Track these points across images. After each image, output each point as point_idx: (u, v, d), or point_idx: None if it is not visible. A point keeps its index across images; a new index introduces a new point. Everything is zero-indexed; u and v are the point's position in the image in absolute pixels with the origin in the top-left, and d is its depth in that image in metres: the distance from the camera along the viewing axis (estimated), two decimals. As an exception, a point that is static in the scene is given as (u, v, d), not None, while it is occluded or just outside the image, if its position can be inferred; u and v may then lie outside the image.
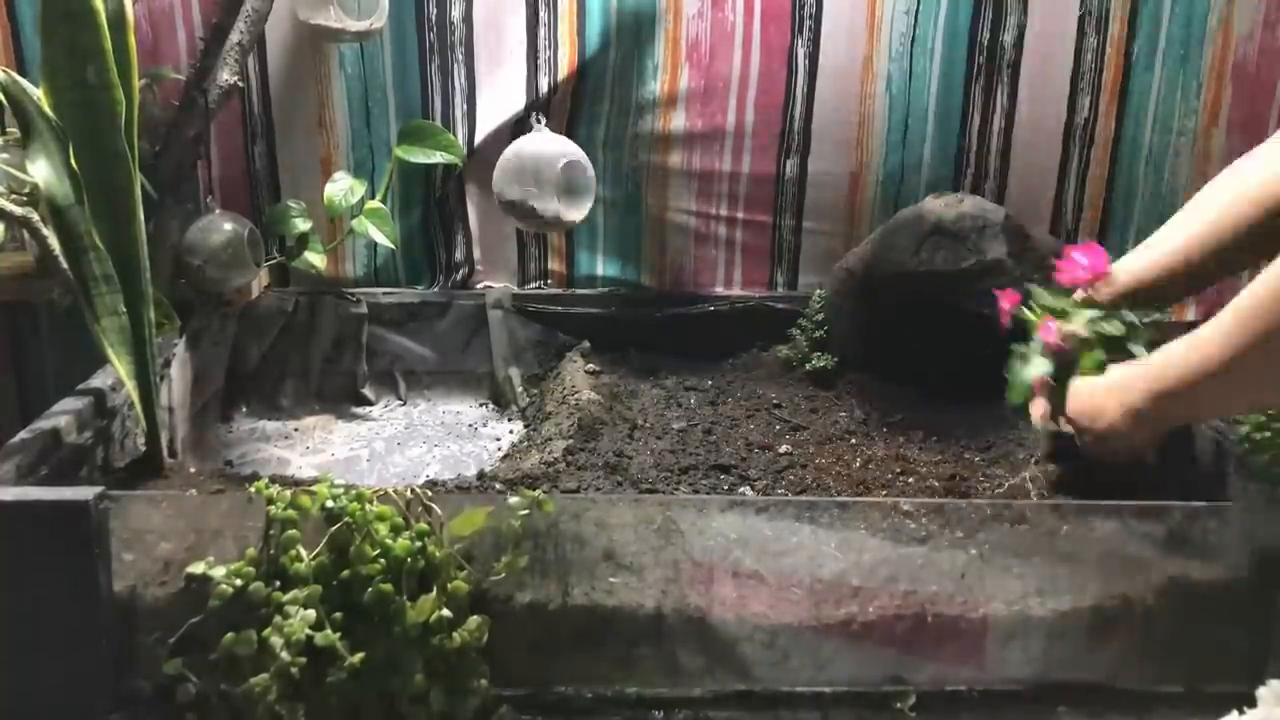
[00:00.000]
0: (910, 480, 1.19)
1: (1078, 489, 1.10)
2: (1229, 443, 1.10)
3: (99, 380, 1.19)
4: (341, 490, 0.90)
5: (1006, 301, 1.19)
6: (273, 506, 0.89)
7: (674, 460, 1.24)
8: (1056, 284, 1.16)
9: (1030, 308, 1.16)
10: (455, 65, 1.59)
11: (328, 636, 0.85)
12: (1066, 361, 1.09)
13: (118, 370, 1.08)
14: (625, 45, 1.58)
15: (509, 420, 1.57)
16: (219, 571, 0.87)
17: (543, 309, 1.66)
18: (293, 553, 0.88)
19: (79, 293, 1.06)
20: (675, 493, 1.15)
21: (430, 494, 0.92)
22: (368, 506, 0.89)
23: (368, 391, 1.63)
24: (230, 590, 0.86)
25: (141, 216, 1.10)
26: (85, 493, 0.87)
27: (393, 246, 1.56)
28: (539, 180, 1.44)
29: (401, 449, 1.47)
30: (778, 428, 1.36)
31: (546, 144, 1.48)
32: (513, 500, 0.90)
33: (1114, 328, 1.06)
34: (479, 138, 1.61)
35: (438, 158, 1.56)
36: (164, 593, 0.89)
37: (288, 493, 0.89)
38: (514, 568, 0.90)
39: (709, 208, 1.66)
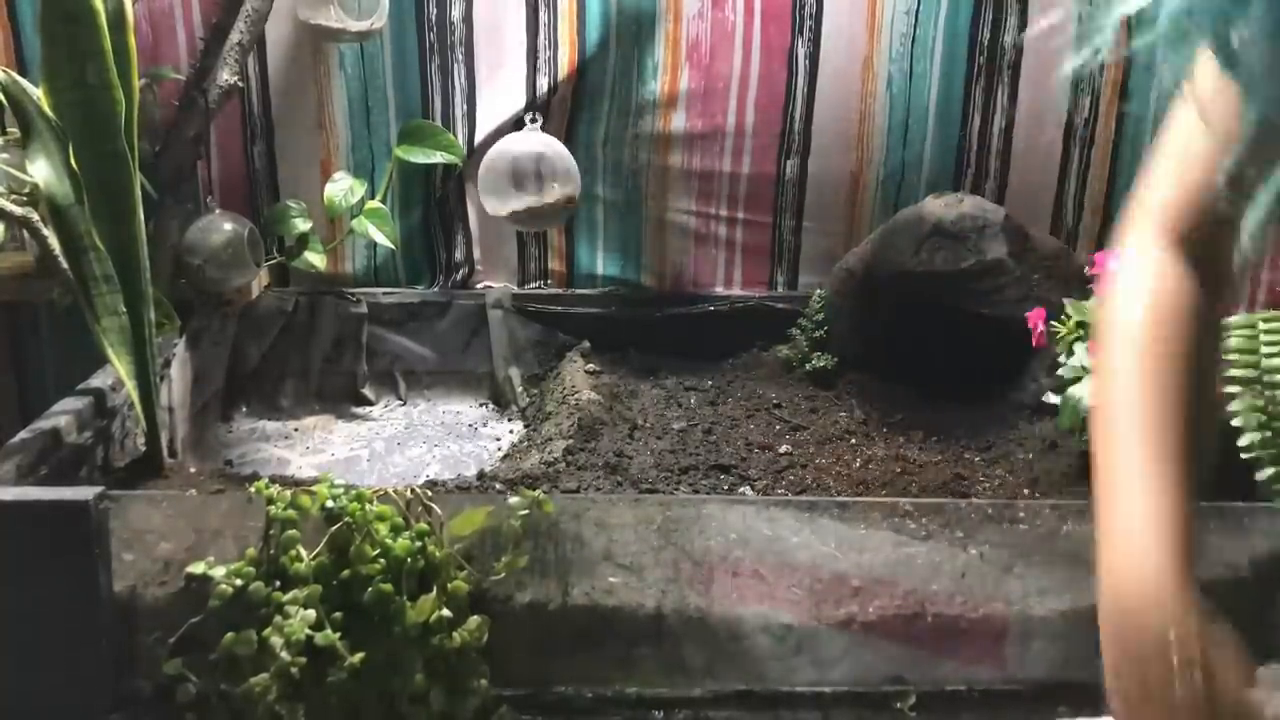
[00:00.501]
0: (910, 480, 1.19)
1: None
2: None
3: (99, 380, 1.19)
4: (341, 490, 0.90)
5: (1036, 319, 1.18)
6: (273, 506, 0.89)
7: (674, 460, 1.24)
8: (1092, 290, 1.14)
9: (1061, 321, 1.15)
10: (455, 65, 1.59)
11: (328, 636, 0.85)
12: None
13: (118, 370, 1.08)
14: (625, 45, 1.58)
15: (509, 420, 1.57)
16: (219, 571, 0.87)
17: (543, 309, 1.66)
18: (293, 553, 0.88)
19: (79, 293, 1.06)
20: (675, 493, 1.15)
21: (430, 494, 0.92)
22: (368, 506, 0.89)
23: (368, 391, 1.63)
24: (230, 590, 0.86)
25: (141, 216, 1.10)
26: (85, 493, 0.87)
27: (393, 246, 1.56)
28: (524, 181, 1.45)
29: (401, 449, 1.47)
30: (778, 428, 1.36)
31: (515, 145, 1.49)
32: (513, 500, 0.90)
33: None
34: (479, 138, 1.61)
35: (438, 158, 1.56)
36: (164, 593, 0.89)
37: (288, 493, 0.89)
38: (514, 568, 0.90)
39: (709, 208, 1.66)
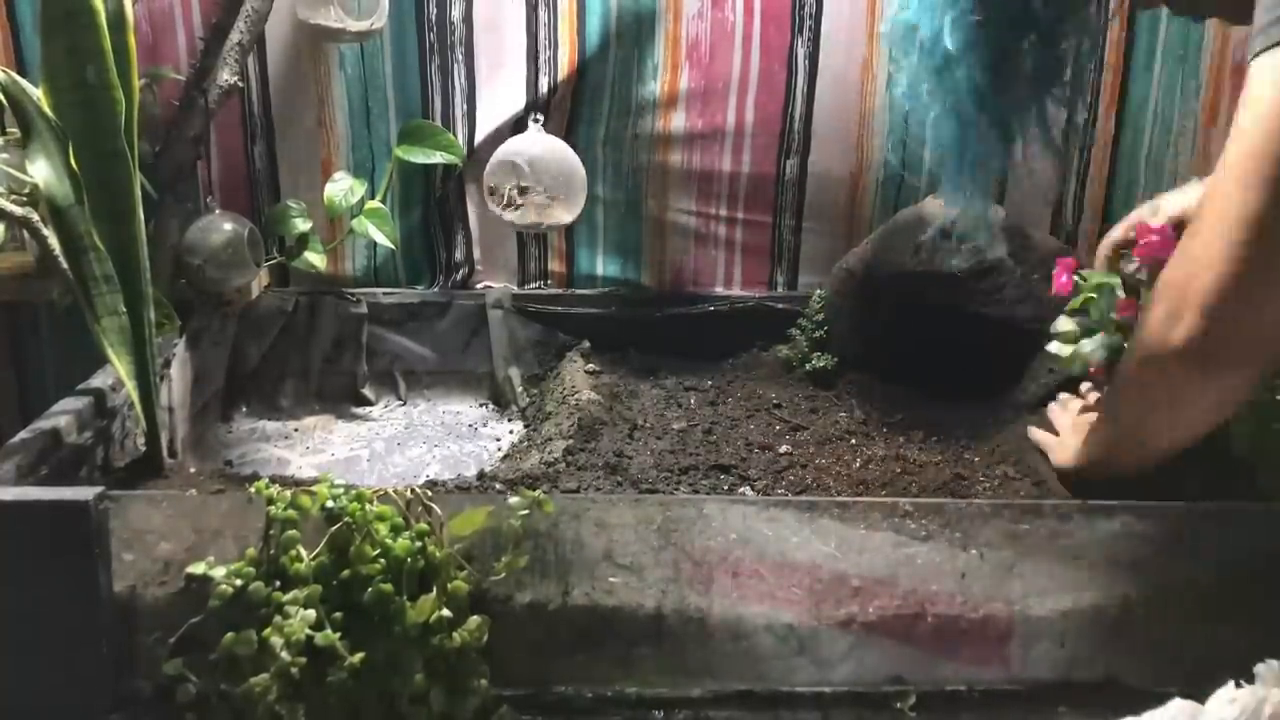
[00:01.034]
0: (910, 480, 1.19)
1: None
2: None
3: (99, 380, 1.19)
4: (341, 490, 0.90)
5: (1065, 269, 1.19)
6: (273, 506, 0.89)
7: (674, 460, 1.24)
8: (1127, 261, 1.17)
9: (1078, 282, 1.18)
10: (455, 65, 1.59)
11: (328, 636, 0.85)
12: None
13: (118, 370, 1.08)
14: (625, 45, 1.58)
15: (509, 420, 1.57)
16: (219, 571, 0.87)
17: (543, 309, 1.66)
18: (293, 553, 0.88)
19: (79, 293, 1.06)
20: (675, 493, 1.15)
21: (430, 494, 0.92)
22: (368, 506, 0.89)
23: (368, 391, 1.63)
24: (230, 590, 0.86)
25: (141, 216, 1.10)
26: (85, 493, 0.87)
27: (393, 246, 1.56)
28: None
29: (401, 449, 1.47)
30: (778, 428, 1.36)
31: (522, 147, 1.49)
32: (513, 500, 0.90)
33: None
34: (479, 138, 1.61)
35: (438, 158, 1.56)
36: (164, 593, 0.89)
37: (288, 493, 0.89)
38: (514, 568, 0.90)
39: (709, 208, 1.66)
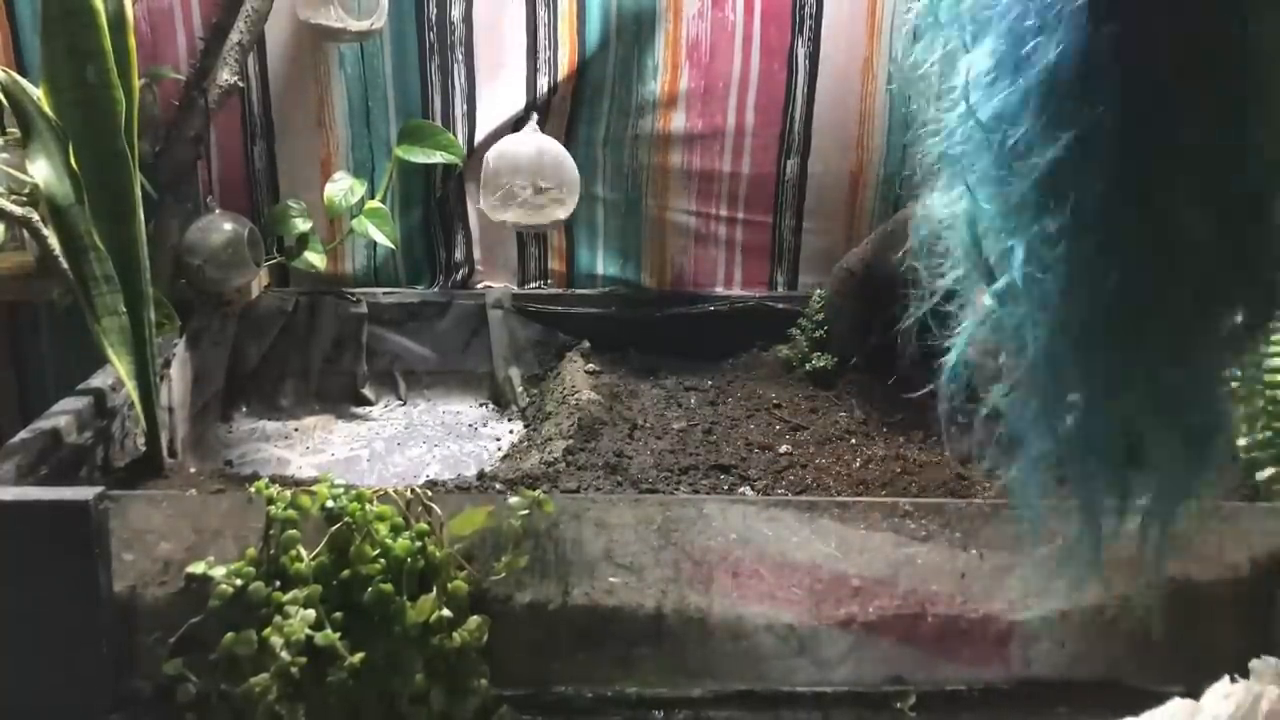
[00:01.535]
0: (910, 480, 1.19)
1: None
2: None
3: (99, 380, 1.19)
4: (341, 490, 0.90)
5: None
6: (273, 506, 0.89)
7: (674, 460, 1.24)
8: None
9: None
10: (455, 65, 1.59)
11: (328, 636, 0.85)
12: None
13: (118, 370, 1.08)
14: (625, 45, 1.58)
15: (509, 420, 1.57)
16: (219, 571, 0.87)
17: (543, 309, 1.66)
18: (293, 553, 0.88)
19: (79, 293, 1.06)
20: (675, 493, 1.15)
21: (430, 494, 0.92)
22: (368, 506, 0.89)
23: (368, 391, 1.63)
24: (230, 590, 0.86)
25: (141, 216, 1.10)
26: (85, 493, 0.87)
27: (393, 246, 1.56)
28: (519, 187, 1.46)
29: (401, 449, 1.47)
30: (778, 428, 1.36)
31: (516, 147, 1.49)
32: (513, 500, 0.90)
33: None
34: (479, 138, 1.61)
35: (438, 158, 1.56)
36: (164, 593, 0.89)
37: (288, 493, 0.89)
38: (514, 568, 0.90)
39: (709, 208, 1.66)
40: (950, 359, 0.57)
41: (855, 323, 1.53)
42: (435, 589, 0.88)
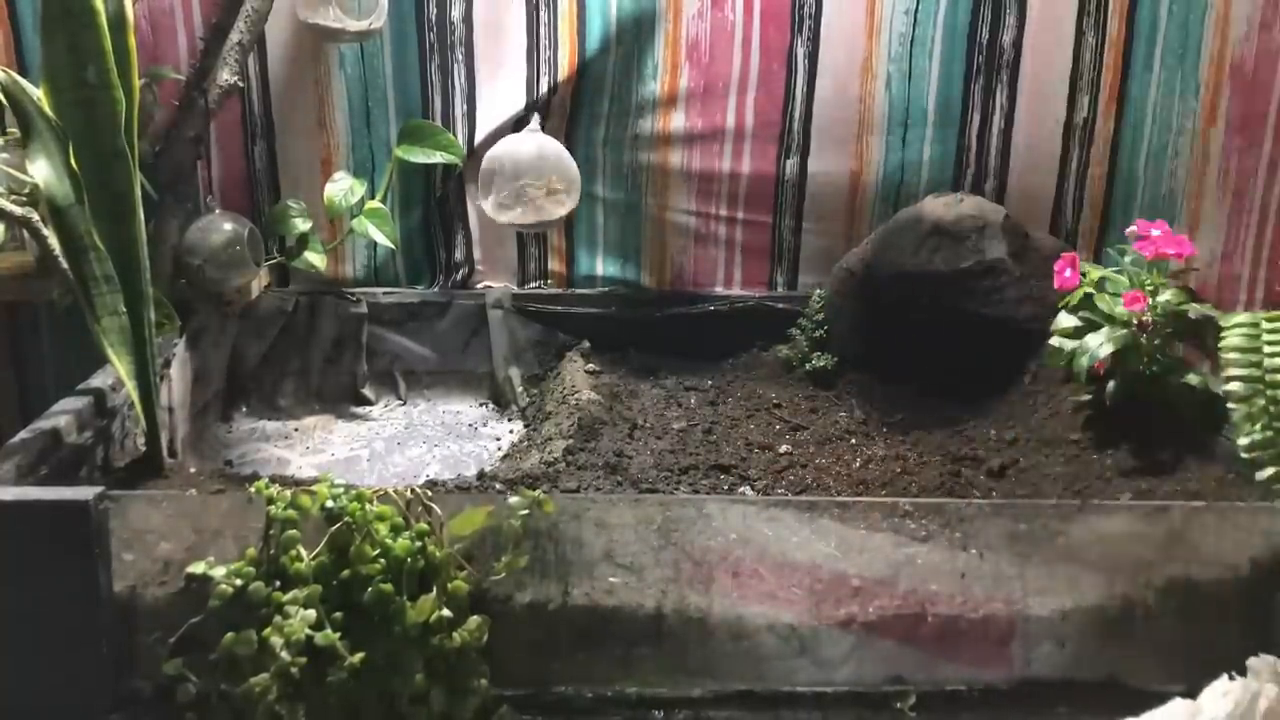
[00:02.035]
0: (910, 480, 1.19)
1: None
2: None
3: (99, 380, 1.19)
4: (341, 490, 0.90)
5: (1067, 263, 1.21)
6: (273, 506, 0.89)
7: (674, 460, 1.24)
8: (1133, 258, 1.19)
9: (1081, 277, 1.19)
10: (455, 65, 1.59)
11: (328, 636, 0.85)
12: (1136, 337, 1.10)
13: (118, 370, 1.08)
14: (625, 45, 1.58)
15: (509, 420, 1.57)
16: (219, 571, 0.87)
17: (543, 309, 1.66)
18: (293, 553, 0.88)
19: (79, 293, 1.06)
20: (675, 492, 1.15)
21: (430, 494, 0.92)
22: (368, 506, 0.89)
23: (368, 391, 1.63)
24: (230, 590, 0.86)
25: (141, 216, 1.10)
26: (85, 493, 0.87)
27: (393, 246, 1.56)
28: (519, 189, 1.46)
29: (401, 449, 1.47)
30: (778, 428, 1.36)
31: (515, 148, 1.49)
32: (513, 500, 0.90)
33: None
34: (479, 138, 1.61)
35: (438, 158, 1.56)
36: (164, 593, 0.89)
37: (288, 493, 0.89)
38: (514, 568, 0.90)
39: (709, 208, 1.66)
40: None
41: (855, 323, 1.53)
42: (435, 589, 0.88)
